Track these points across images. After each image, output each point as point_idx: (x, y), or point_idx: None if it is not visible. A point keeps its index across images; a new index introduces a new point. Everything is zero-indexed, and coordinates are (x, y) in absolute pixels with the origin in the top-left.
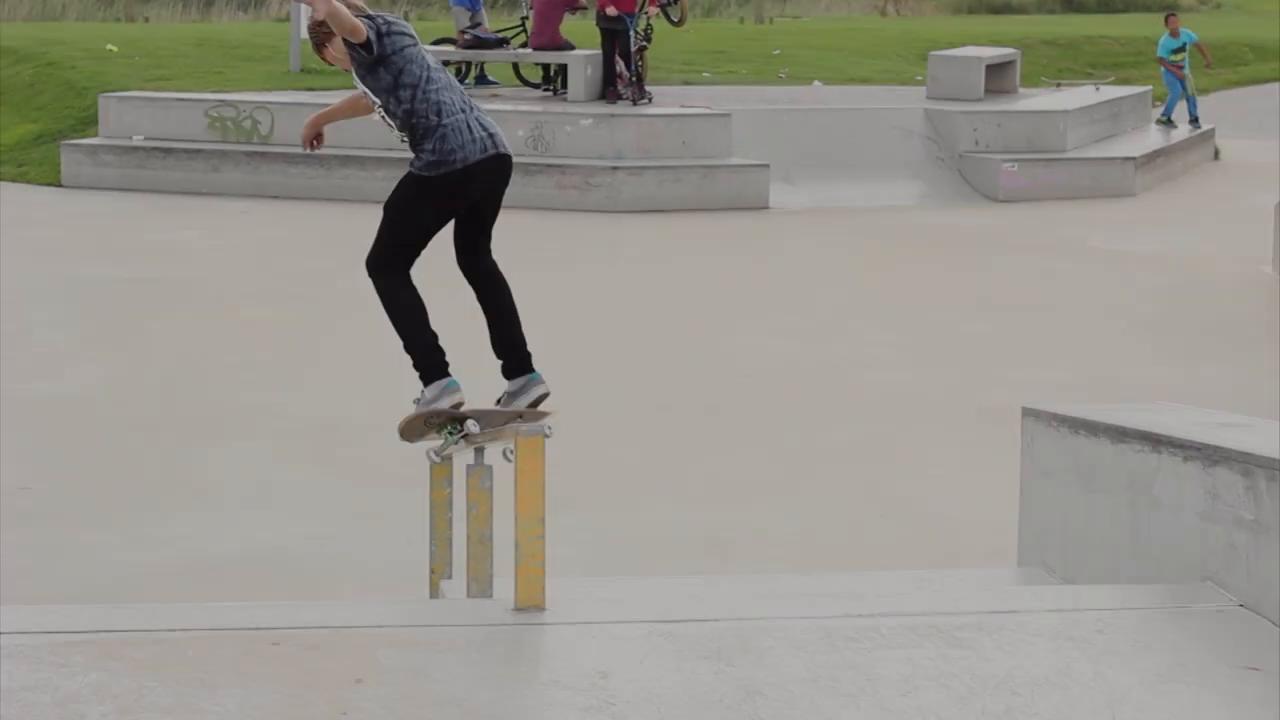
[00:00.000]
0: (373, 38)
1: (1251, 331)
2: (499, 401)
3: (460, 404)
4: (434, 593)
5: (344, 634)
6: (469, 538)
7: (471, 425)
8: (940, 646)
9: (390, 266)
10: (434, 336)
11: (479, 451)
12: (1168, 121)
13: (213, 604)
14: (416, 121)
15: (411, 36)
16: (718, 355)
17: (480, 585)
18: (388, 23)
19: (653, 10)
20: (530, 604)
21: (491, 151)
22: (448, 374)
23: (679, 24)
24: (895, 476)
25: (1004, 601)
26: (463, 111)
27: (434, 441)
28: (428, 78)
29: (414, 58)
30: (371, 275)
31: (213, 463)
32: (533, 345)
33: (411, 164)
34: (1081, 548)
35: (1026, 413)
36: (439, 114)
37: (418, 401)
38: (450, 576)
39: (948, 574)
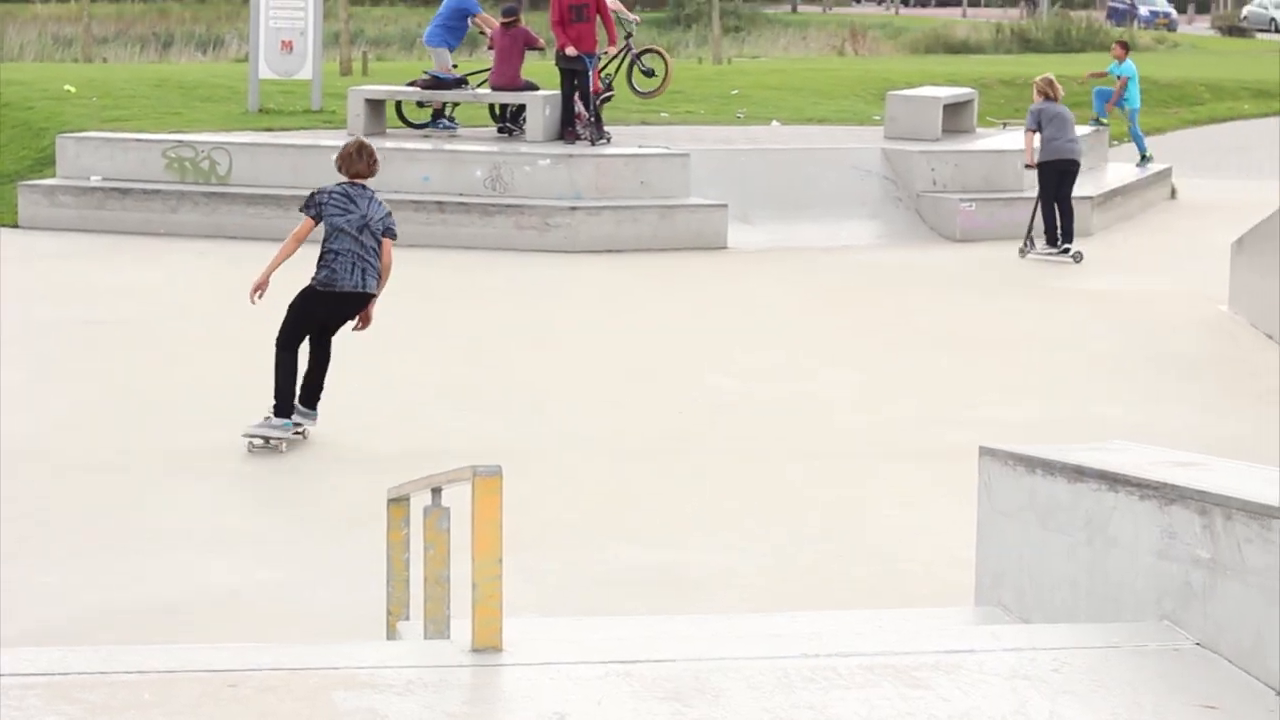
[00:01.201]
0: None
1: (1209, 370)
2: None
3: None
4: (391, 634)
5: (301, 676)
6: (426, 578)
7: None
8: (898, 686)
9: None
10: None
11: (436, 493)
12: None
13: (169, 646)
14: None
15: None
16: (677, 395)
17: (437, 626)
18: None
19: (611, 50)
20: (487, 645)
21: None
22: None
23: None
24: (853, 516)
25: (961, 641)
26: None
27: None
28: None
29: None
30: None
31: (168, 504)
32: (490, 382)
33: None
34: (1038, 587)
35: (984, 452)
36: None
37: None
38: (407, 618)
39: (905, 614)
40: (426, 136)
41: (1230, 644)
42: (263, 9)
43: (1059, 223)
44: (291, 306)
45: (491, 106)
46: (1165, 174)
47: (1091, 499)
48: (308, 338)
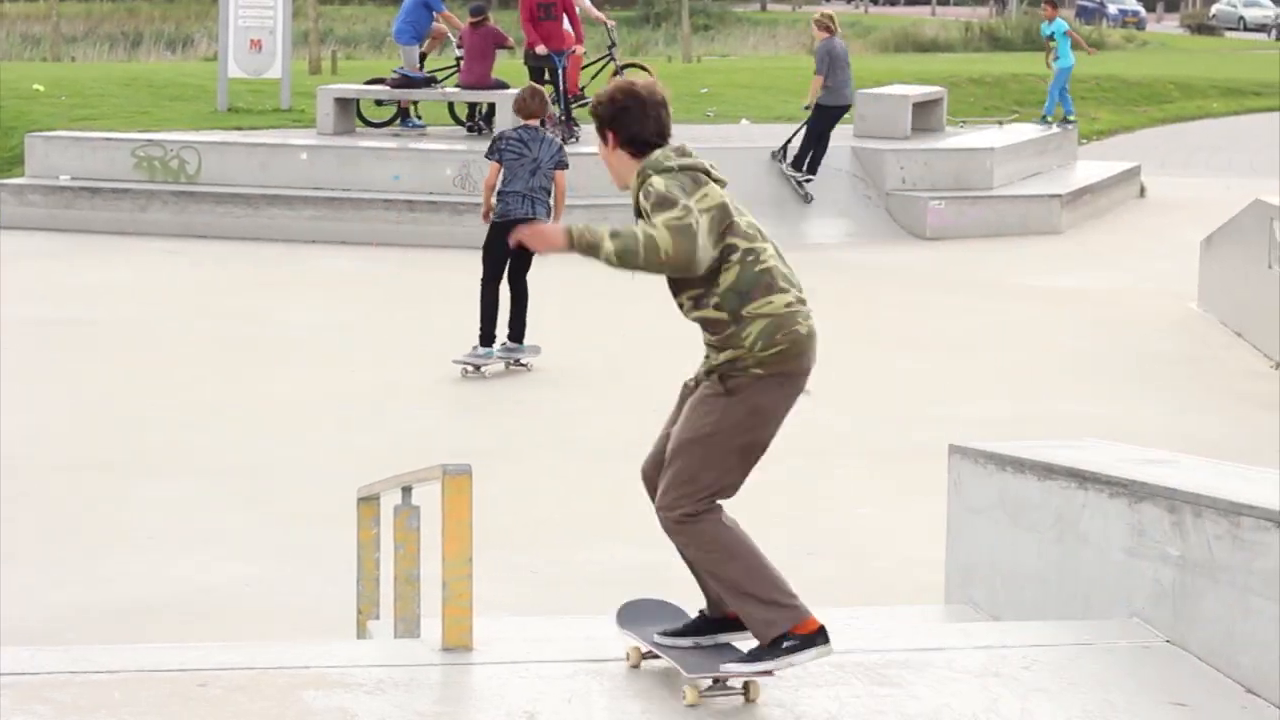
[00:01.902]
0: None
1: (1178, 368)
2: None
3: None
4: (361, 633)
5: (271, 675)
6: (396, 578)
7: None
8: (868, 684)
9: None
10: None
11: (406, 491)
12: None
13: (139, 646)
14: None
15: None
16: (651, 394)
17: (407, 625)
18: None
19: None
20: (458, 644)
21: None
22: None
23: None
24: (823, 515)
25: (931, 639)
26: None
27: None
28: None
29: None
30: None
31: (139, 503)
32: (459, 381)
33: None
34: (1009, 584)
35: (954, 450)
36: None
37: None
38: (378, 617)
39: (876, 612)
40: (396, 135)
41: (1200, 641)
42: (232, 8)
43: (813, 156)
44: (483, 246)
45: (451, 107)
46: (1134, 172)
47: (1061, 497)
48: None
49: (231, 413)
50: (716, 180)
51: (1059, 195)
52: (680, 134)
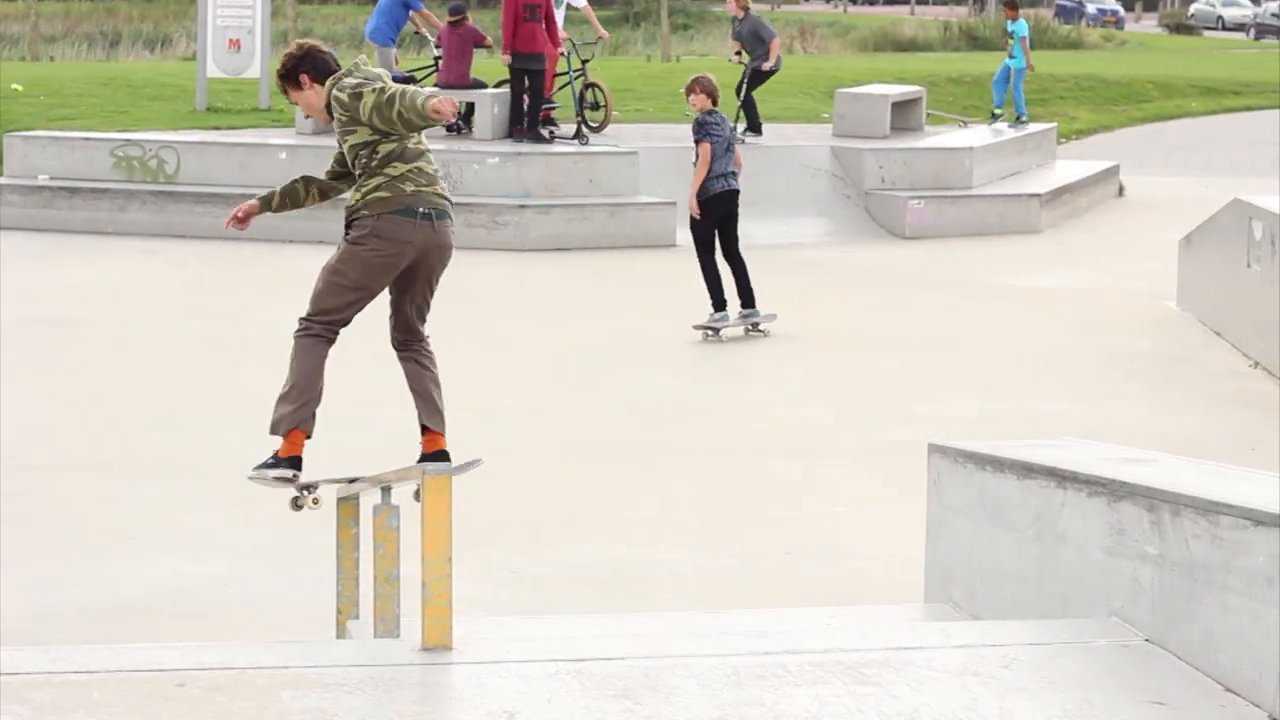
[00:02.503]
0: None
1: (1157, 367)
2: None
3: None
4: (341, 633)
5: (249, 675)
6: (375, 577)
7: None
8: (847, 684)
9: None
10: None
11: (385, 491)
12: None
13: (118, 646)
14: None
15: None
16: (627, 394)
17: (387, 625)
18: None
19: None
20: (437, 644)
21: None
22: None
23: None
24: (802, 514)
25: (911, 638)
26: None
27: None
28: None
29: None
30: None
31: (119, 503)
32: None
33: None
34: (988, 583)
35: (933, 449)
36: None
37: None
38: (357, 616)
39: (855, 611)
40: None
41: (1179, 640)
42: (210, 7)
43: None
44: (694, 223)
45: None
46: (1113, 171)
47: (1040, 496)
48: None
49: (211, 413)
50: None
51: (1038, 195)
52: (659, 132)
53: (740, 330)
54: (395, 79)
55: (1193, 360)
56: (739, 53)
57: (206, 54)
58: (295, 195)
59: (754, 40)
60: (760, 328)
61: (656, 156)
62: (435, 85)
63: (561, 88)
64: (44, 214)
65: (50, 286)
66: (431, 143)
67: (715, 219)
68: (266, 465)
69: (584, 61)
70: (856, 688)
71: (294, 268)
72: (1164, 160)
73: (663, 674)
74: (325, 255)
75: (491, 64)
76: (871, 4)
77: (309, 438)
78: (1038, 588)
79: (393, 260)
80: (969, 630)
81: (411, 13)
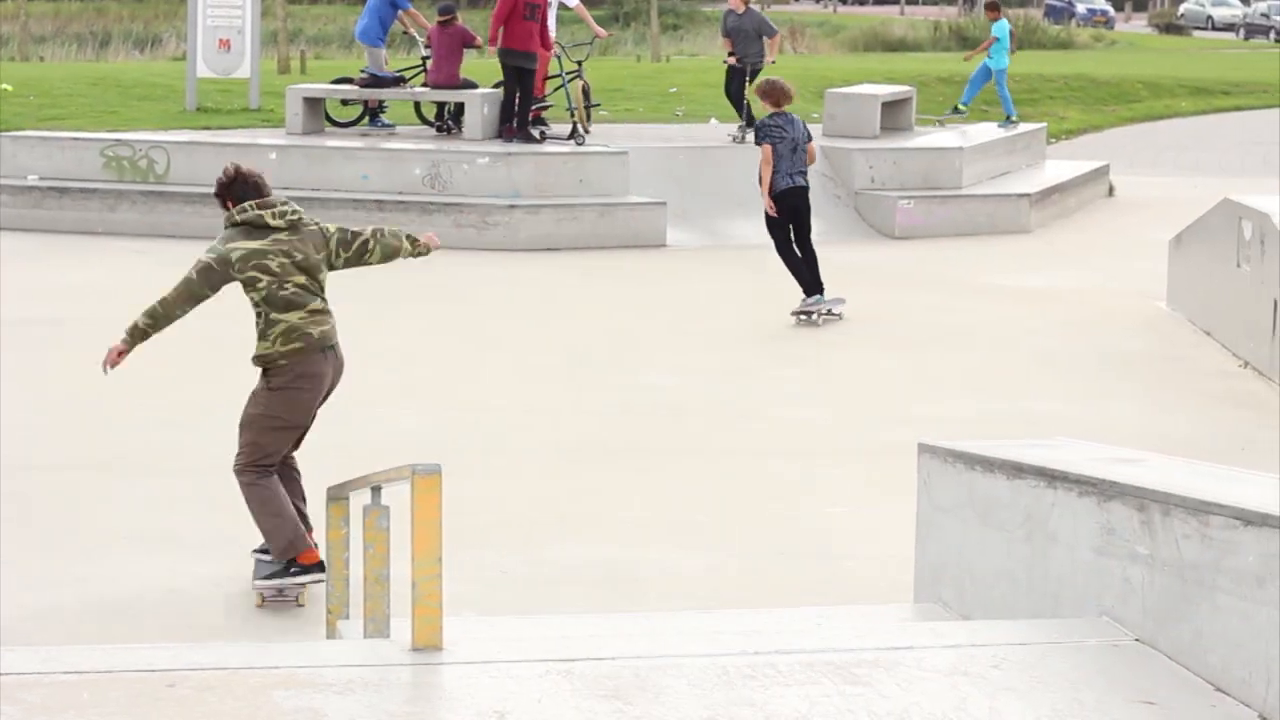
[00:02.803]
0: None
1: (1147, 367)
2: None
3: None
4: (331, 633)
5: (240, 675)
6: (365, 577)
7: None
8: (837, 683)
9: None
10: None
11: (375, 492)
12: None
13: (108, 646)
14: None
15: None
16: (617, 393)
17: (377, 625)
18: None
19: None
20: (428, 644)
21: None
22: None
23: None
24: (793, 513)
25: (901, 638)
26: None
27: None
28: None
29: None
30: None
31: (109, 503)
32: (428, 382)
33: None
34: (978, 583)
35: (923, 449)
36: None
37: None
38: (347, 616)
39: (845, 611)
40: (365, 135)
41: (1169, 640)
42: (200, 7)
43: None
44: (769, 220)
45: (417, 107)
46: (1103, 171)
47: (1030, 495)
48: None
49: (202, 413)
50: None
51: (1027, 195)
52: (649, 133)
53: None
54: (385, 79)
55: (1183, 360)
56: (731, 53)
57: (196, 54)
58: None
59: (753, 37)
60: (835, 312)
61: (646, 157)
62: (425, 85)
63: (555, 89)
64: (34, 214)
65: (40, 287)
66: (422, 143)
67: (786, 215)
68: (291, 573)
69: (578, 63)
70: (847, 687)
71: None
72: (1154, 160)
73: (653, 674)
74: None
75: (481, 64)
76: (861, 4)
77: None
78: (1028, 587)
79: (316, 394)
80: (959, 630)
81: (400, 13)
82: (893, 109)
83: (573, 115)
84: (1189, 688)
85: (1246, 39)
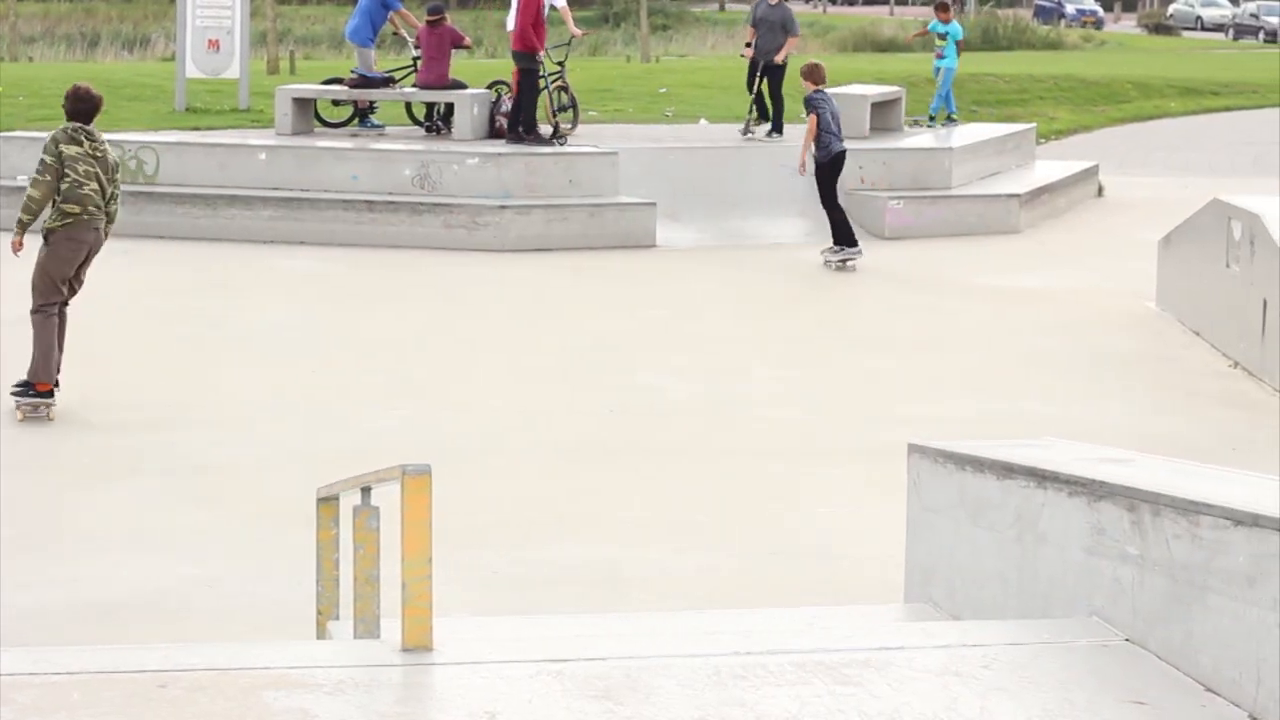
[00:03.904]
0: None
1: (1136, 367)
2: None
3: None
4: (321, 634)
5: (231, 676)
6: (355, 578)
7: None
8: (828, 684)
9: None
10: None
11: (365, 492)
12: (930, 120)
13: (99, 646)
14: None
15: None
16: (608, 394)
17: (367, 626)
18: None
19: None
20: (418, 644)
21: None
22: None
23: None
24: (784, 514)
25: (892, 638)
26: None
27: None
28: None
29: None
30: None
31: (98, 505)
32: (422, 382)
33: None
34: (968, 584)
35: (913, 449)
36: None
37: None
38: (337, 617)
39: (836, 611)
40: (354, 135)
41: (1159, 640)
42: (189, 8)
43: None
44: (821, 180)
45: (408, 107)
46: (1092, 171)
47: (1021, 496)
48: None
49: (190, 413)
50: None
51: (1017, 195)
52: (639, 133)
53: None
54: (374, 80)
55: (1172, 360)
56: (749, 44)
57: (185, 54)
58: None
59: (778, 30)
60: (851, 263)
61: (636, 157)
62: (414, 85)
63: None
64: None
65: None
66: (412, 143)
67: (837, 172)
68: (28, 395)
69: (559, 64)
70: (837, 688)
71: (271, 268)
72: (1143, 160)
73: (644, 674)
74: (305, 255)
75: (472, 65)
76: (851, 4)
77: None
78: (1018, 588)
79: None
80: (949, 630)
81: (390, 13)
82: (882, 109)
83: (554, 116)
84: (1179, 688)
85: (1236, 39)
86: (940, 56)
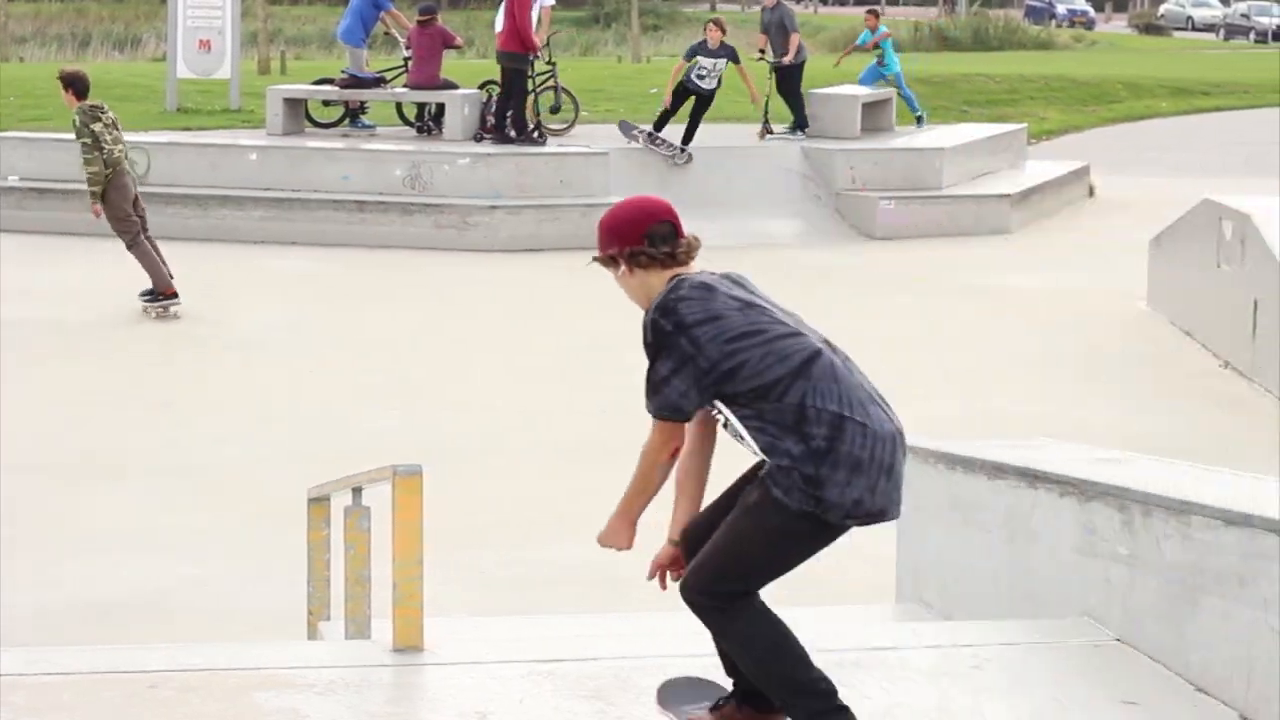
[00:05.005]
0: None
1: (1128, 367)
2: None
3: None
4: (312, 634)
5: (222, 676)
6: (347, 579)
7: None
8: None
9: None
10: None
11: (357, 493)
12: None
13: (92, 647)
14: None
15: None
16: (601, 393)
17: (358, 626)
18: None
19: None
20: (409, 645)
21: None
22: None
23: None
24: None
25: (883, 638)
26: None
27: None
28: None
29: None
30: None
31: (89, 505)
32: (413, 382)
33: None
34: (959, 583)
35: None
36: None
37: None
38: (328, 618)
39: (827, 611)
40: (345, 136)
41: (1150, 640)
42: (181, 8)
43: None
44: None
45: (399, 107)
46: (1083, 172)
47: (1012, 495)
48: None
49: (182, 414)
50: None
51: (1008, 195)
52: None
53: None
54: (365, 80)
55: (1163, 360)
56: (762, 50)
57: (177, 55)
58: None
59: (779, 32)
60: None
61: (628, 157)
62: (405, 86)
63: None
64: (14, 215)
65: (21, 287)
66: (403, 144)
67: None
68: (157, 300)
69: (550, 64)
70: None
71: (263, 268)
72: (1134, 161)
73: (635, 674)
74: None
75: (463, 65)
76: (842, 4)
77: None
78: (1009, 588)
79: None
80: (941, 630)
81: (382, 13)
82: (873, 110)
83: (537, 115)
84: (1170, 687)
85: (1226, 39)
86: (883, 64)
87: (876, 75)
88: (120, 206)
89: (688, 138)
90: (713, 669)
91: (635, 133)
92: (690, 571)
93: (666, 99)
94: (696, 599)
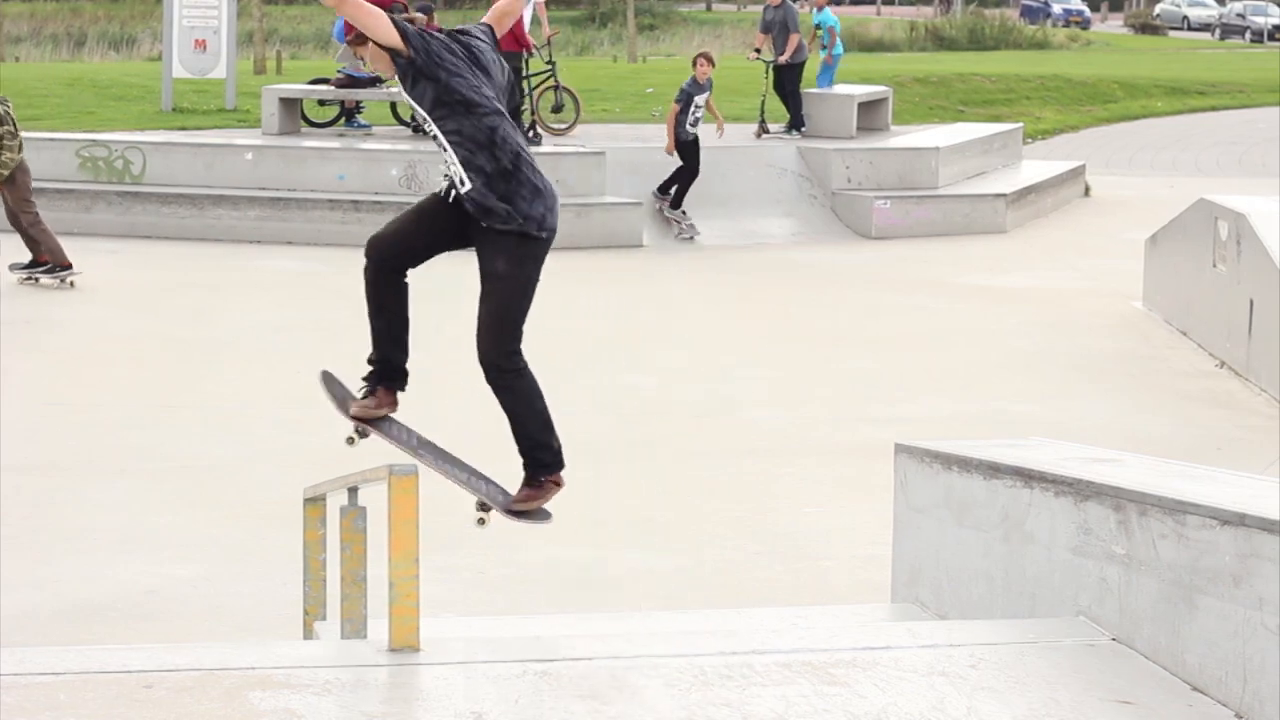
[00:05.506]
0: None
1: (1123, 366)
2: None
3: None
4: (308, 634)
5: (216, 676)
6: (342, 578)
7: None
8: (814, 684)
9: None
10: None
11: (352, 492)
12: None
13: (84, 647)
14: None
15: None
16: (592, 393)
17: (354, 626)
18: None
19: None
20: (405, 644)
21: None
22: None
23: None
24: (769, 514)
25: (878, 638)
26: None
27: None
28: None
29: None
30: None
31: (84, 505)
32: (413, 379)
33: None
34: (955, 583)
35: (899, 449)
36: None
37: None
38: (324, 618)
39: (822, 611)
40: (341, 135)
41: (1146, 639)
42: (176, 8)
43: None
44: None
45: (394, 107)
46: (1079, 171)
47: (1007, 495)
48: None
49: (177, 413)
50: None
51: (1004, 194)
52: (625, 133)
53: None
54: (361, 80)
55: (1159, 360)
56: (758, 50)
57: (172, 54)
58: None
59: (781, 31)
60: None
61: (623, 157)
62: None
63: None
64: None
65: (15, 287)
66: (399, 143)
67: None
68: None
69: (549, 63)
70: (824, 688)
71: (258, 268)
72: (1130, 160)
73: (629, 674)
74: (292, 255)
75: None
76: (837, 4)
77: None
78: (1005, 587)
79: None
80: (936, 630)
81: None
82: (869, 109)
83: (534, 114)
84: (1166, 687)
85: (1222, 39)
86: (830, 61)
87: (828, 71)
88: (28, 187)
89: (676, 203)
90: (710, 670)
91: (658, 206)
92: (489, 343)
93: (669, 146)
94: (505, 365)
